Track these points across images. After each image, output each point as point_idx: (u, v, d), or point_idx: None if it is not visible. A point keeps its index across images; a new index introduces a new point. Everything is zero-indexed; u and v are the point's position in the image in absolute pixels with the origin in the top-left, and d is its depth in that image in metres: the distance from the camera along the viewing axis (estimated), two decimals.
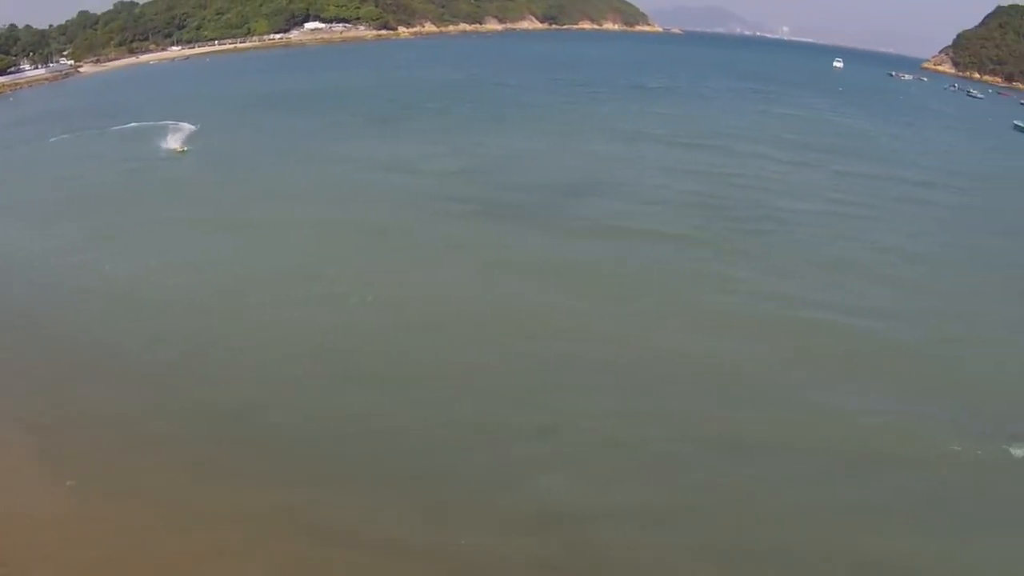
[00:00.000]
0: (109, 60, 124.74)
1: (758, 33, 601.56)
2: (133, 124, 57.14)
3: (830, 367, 23.42)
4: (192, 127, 54.24)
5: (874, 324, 26.56)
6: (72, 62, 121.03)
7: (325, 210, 36.20)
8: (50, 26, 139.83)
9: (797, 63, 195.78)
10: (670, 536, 15.59)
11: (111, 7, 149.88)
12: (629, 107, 76.69)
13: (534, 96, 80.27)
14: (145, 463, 16.84)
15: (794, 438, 19.15)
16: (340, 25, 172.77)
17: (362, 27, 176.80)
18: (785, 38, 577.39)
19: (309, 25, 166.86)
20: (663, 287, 29.03)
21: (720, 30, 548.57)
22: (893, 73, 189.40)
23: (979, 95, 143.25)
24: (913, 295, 30.27)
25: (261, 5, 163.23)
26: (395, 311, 24.97)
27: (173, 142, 49.85)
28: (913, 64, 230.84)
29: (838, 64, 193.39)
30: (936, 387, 22.73)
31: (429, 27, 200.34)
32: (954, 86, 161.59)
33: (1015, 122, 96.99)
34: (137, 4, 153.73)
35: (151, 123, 56.39)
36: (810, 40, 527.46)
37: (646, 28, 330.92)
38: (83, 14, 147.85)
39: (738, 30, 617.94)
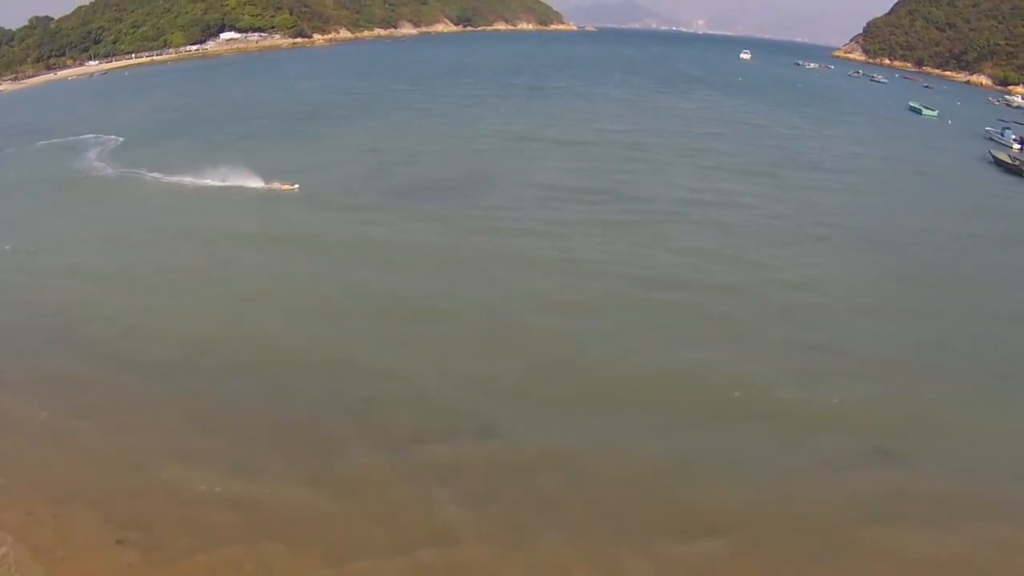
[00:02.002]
0: (27, 77, 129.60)
1: (674, 28, 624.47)
2: (59, 139, 62.28)
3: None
4: (119, 139, 60.09)
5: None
6: None
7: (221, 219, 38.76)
8: None
9: (705, 56, 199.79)
10: None
11: (26, 23, 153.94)
12: (527, 107, 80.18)
13: (432, 102, 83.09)
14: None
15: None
16: (256, 35, 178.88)
17: (277, 36, 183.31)
18: (700, 32, 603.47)
19: (225, 35, 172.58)
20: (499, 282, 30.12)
21: (636, 26, 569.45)
22: (800, 62, 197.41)
23: (883, 80, 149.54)
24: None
25: (176, 17, 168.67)
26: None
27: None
28: (825, 53, 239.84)
29: (745, 56, 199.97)
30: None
31: (344, 33, 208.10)
32: (858, 72, 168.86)
33: (910, 103, 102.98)
34: (52, 19, 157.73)
35: (78, 136, 62.17)
36: (726, 33, 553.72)
37: (561, 27, 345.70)
38: None
39: (653, 25, 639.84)
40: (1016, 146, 68.30)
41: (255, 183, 44.62)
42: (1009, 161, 60.68)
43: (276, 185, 44.45)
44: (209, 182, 45.27)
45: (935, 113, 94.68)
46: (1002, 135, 73.64)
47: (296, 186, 44.38)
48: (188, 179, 46.14)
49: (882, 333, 27.17)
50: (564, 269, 31.97)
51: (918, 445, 20.50)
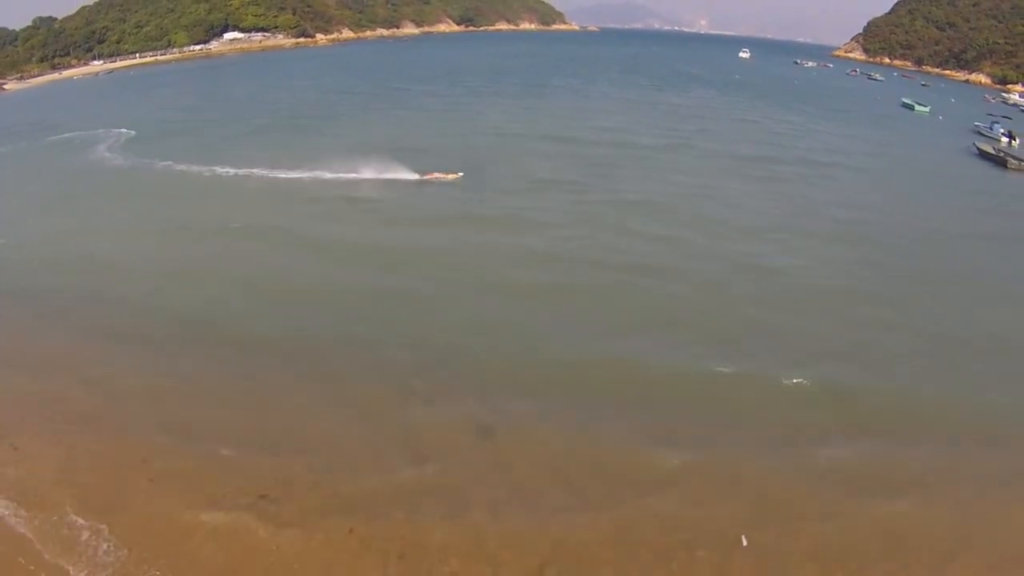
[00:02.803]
0: (33, 76, 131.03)
1: (676, 28, 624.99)
2: (67, 134, 64.50)
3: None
4: (131, 132, 62.58)
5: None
6: None
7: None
8: None
9: (705, 56, 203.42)
10: None
11: (30, 23, 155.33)
12: (526, 104, 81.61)
13: (433, 101, 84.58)
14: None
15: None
16: (259, 35, 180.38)
17: (280, 36, 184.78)
18: (703, 31, 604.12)
19: (228, 35, 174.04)
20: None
21: (638, 26, 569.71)
22: (798, 61, 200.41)
23: (880, 78, 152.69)
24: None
25: (180, 17, 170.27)
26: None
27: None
28: (826, 52, 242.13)
29: (744, 55, 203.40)
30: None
31: (347, 33, 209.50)
32: (855, 71, 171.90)
33: (903, 99, 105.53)
34: (56, 19, 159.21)
35: (94, 131, 64.31)
36: (729, 32, 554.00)
37: (563, 26, 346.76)
38: (1, 31, 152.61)
39: (656, 25, 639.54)
40: (1004, 139, 69.61)
41: (410, 175, 46.03)
42: (993, 152, 62.42)
43: (437, 175, 45.69)
44: (352, 175, 46.32)
45: (927, 109, 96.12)
46: (991, 129, 75.17)
47: (460, 175, 45.45)
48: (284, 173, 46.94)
49: (850, 315, 28.40)
50: (546, 256, 33.35)
51: (878, 419, 21.61)
